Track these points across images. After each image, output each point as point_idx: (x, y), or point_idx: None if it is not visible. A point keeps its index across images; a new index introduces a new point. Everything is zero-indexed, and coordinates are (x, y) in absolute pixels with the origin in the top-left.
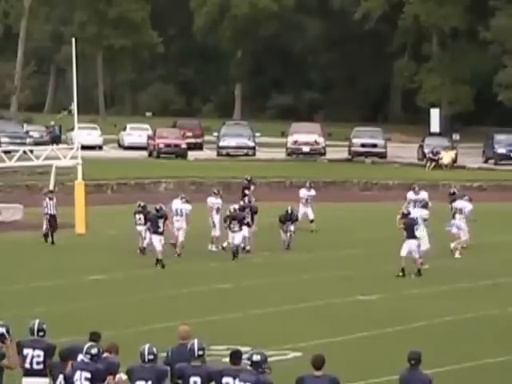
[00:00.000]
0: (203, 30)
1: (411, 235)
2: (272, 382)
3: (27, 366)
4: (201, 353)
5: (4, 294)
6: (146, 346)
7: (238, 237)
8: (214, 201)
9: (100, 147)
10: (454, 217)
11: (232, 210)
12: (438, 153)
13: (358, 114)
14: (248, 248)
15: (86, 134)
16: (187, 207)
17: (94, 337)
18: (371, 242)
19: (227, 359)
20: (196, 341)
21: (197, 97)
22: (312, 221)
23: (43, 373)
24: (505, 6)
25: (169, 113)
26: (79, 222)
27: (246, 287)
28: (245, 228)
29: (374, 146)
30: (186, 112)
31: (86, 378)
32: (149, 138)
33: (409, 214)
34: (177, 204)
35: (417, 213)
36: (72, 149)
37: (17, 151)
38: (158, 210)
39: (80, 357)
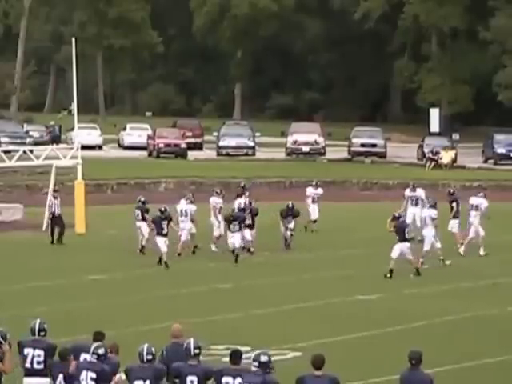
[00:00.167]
0: (203, 29)
1: (402, 238)
2: (278, 381)
3: (28, 365)
4: (197, 352)
5: (4, 293)
6: (145, 346)
7: (237, 237)
8: (216, 200)
9: (100, 147)
10: (469, 214)
11: (231, 211)
12: (437, 153)
13: (357, 114)
14: (252, 250)
15: (85, 133)
16: (192, 208)
17: (99, 336)
18: (371, 242)
19: (227, 359)
20: (192, 340)
21: (197, 97)
22: (315, 221)
23: (44, 373)
24: (504, 6)
25: (169, 113)
26: (79, 222)
27: (246, 287)
28: (246, 230)
29: (374, 145)
30: (185, 112)
31: (92, 378)
32: (149, 137)
33: (400, 216)
34: (182, 205)
35: (425, 212)
36: (72, 149)
37: (17, 151)
38: (162, 212)
39: (83, 356)
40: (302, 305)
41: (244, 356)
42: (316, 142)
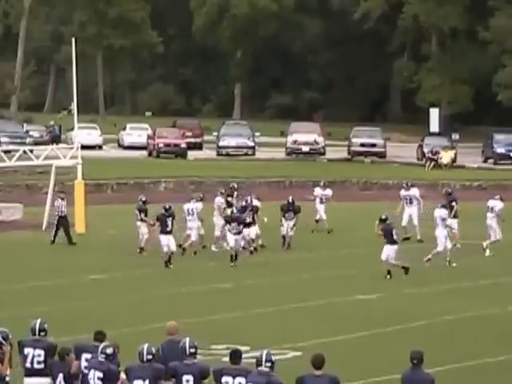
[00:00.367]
0: (203, 29)
1: (390, 240)
2: (282, 381)
3: (28, 365)
4: (192, 351)
5: (4, 293)
6: (145, 346)
7: (237, 238)
8: (221, 200)
9: (100, 147)
10: (486, 216)
11: (231, 212)
12: (437, 152)
13: (357, 114)
14: (254, 246)
15: (85, 133)
16: (198, 206)
17: (100, 336)
18: (371, 242)
19: (227, 358)
20: (188, 339)
21: (196, 96)
22: (318, 221)
23: (44, 372)
24: (504, 6)
25: (168, 112)
26: (79, 222)
27: (247, 286)
28: (246, 230)
29: (374, 145)
30: (185, 112)
31: (99, 378)
32: (148, 137)
33: (386, 219)
34: (188, 204)
35: (436, 212)
36: (72, 148)
37: (17, 151)
38: (166, 210)
39: (84, 356)
40: (302, 304)
41: (244, 356)
42: (316, 142)
